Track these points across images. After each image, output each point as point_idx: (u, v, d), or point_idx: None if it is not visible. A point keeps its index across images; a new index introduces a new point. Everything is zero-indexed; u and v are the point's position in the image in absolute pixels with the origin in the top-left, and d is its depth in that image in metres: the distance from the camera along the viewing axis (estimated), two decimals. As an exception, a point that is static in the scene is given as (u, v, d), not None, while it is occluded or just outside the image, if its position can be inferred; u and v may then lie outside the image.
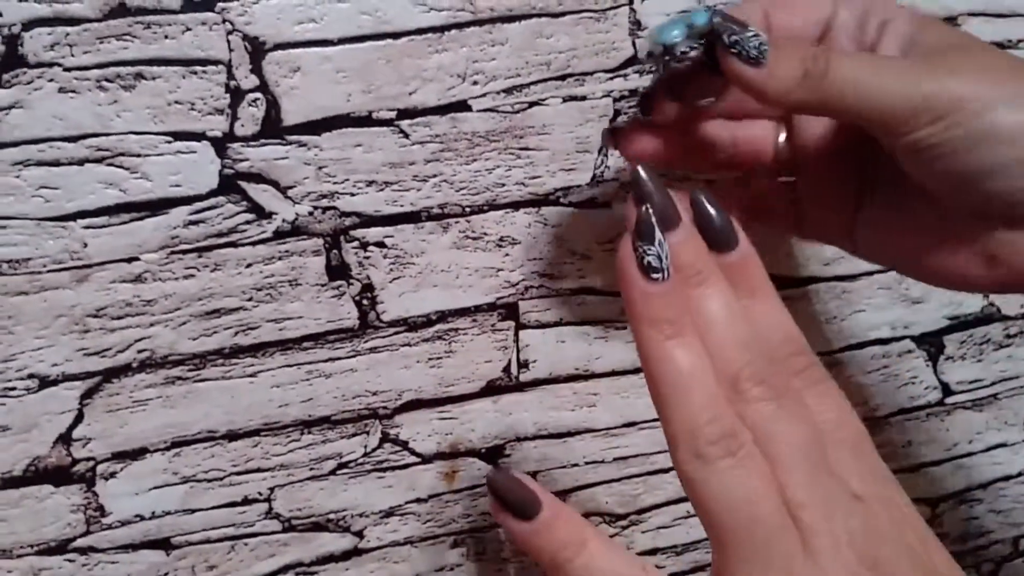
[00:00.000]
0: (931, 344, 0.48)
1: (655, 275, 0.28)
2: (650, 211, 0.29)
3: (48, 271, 0.35)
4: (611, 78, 0.40)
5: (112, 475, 0.37)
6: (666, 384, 0.28)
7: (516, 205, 0.40)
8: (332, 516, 0.40)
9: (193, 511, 0.38)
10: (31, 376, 0.36)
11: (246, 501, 0.39)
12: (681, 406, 0.28)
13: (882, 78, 0.29)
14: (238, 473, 0.39)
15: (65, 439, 0.37)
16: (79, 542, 0.37)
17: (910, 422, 0.48)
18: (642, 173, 0.29)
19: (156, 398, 0.37)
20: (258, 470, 0.39)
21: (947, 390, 0.48)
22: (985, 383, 0.49)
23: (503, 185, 0.40)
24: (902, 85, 0.29)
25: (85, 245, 0.36)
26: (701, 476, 0.27)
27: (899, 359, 0.47)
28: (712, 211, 0.30)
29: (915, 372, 0.48)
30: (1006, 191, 0.29)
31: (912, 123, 0.29)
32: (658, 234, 0.29)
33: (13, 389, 0.36)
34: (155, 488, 0.38)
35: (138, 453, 0.37)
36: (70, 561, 0.37)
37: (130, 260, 0.36)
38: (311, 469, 0.40)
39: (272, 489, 0.39)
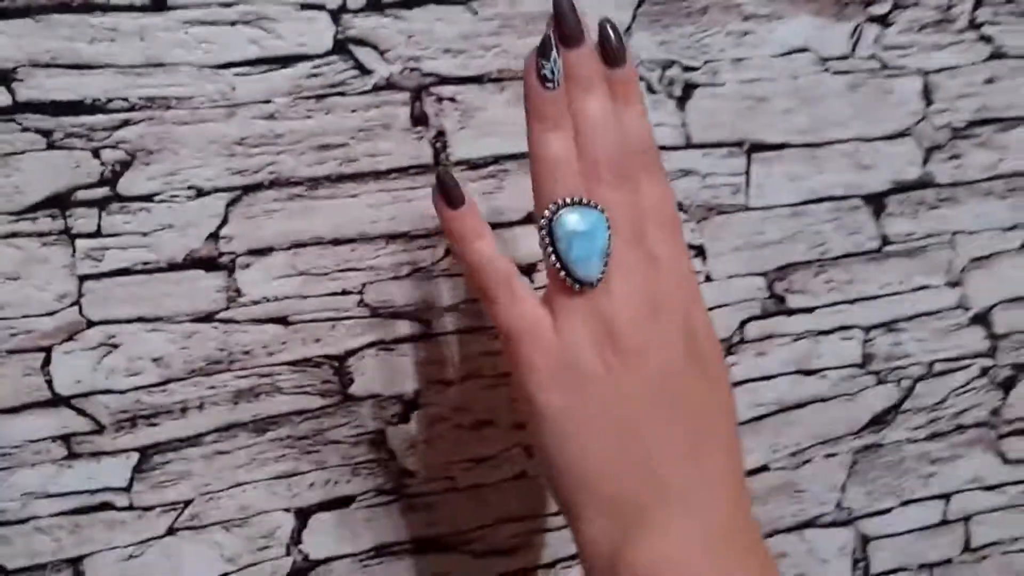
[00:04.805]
0: (876, 202, 0.58)
1: (548, 84, 0.36)
2: (551, 34, 0.36)
3: (205, 107, 0.46)
4: (639, -26, 0.49)
5: (247, 266, 0.48)
6: (539, 162, 0.37)
7: (558, 74, 0.50)
8: (407, 308, 0.52)
9: (306, 297, 0.50)
10: (190, 187, 0.47)
11: (344, 292, 0.50)
12: (547, 180, 0.37)
13: None
14: (340, 271, 0.49)
15: (214, 236, 0.48)
16: (221, 315, 0.49)
17: (854, 264, 0.59)
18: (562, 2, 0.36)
19: (281, 210, 0.48)
20: (354, 269, 0.50)
21: (886, 240, 0.59)
22: (916, 236, 0.59)
23: (549, 57, 0.50)
24: None
25: (234, 88, 0.46)
26: None
27: (849, 213, 0.58)
28: (611, 34, 0.37)
29: (860, 224, 0.58)
30: None
31: None
32: (554, 53, 0.36)
33: (177, 196, 0.47)
34: (278, 278, 0.49)
35: (267, 251, 0.49)
36: (214, 328, 0.49)
37: (266, 102, 0.47)
38: (393, 271, 0.51)
39: (364, 285, 0.51)
